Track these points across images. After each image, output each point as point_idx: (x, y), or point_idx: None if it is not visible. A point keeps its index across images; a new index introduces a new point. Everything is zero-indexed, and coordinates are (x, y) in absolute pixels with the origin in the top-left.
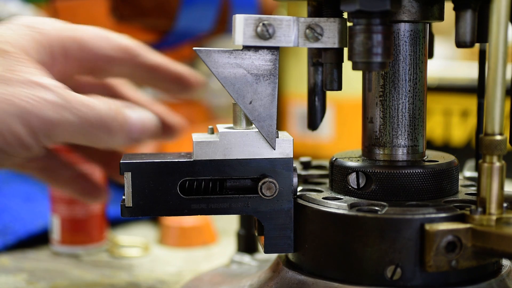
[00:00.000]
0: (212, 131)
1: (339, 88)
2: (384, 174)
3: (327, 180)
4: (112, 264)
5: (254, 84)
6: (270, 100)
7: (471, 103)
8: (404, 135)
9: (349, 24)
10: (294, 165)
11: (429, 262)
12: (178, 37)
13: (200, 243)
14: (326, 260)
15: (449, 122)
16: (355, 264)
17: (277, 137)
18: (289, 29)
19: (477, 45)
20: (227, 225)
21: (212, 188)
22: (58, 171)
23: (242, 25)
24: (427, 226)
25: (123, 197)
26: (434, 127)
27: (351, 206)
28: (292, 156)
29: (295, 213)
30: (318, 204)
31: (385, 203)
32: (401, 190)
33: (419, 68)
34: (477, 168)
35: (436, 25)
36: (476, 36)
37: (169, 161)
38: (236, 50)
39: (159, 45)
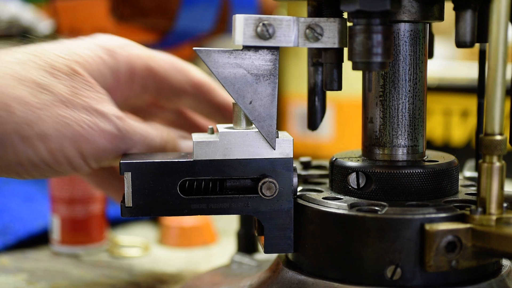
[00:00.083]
0: (212, 131)
1: (339, 88)
2: (384, 174)
3: (327, 180)
4: (112, 264)
5: (254, 84)
6: (270, 100)
7: (471, 103)
8: (404, 135)
9: (349, 24)
10: (294, 165)
11: (429, 262)
12: (178, 37)
13: (200, 243)
14: (326, 260)
15: (449, 122)
16: (355, 264)
17: (277, 137)
18: (289, 29)
19: (477, 45)
20: (227, 225)
21: (212, 188)
22: (110, 181)
23: (242, 25)
24: (427, 226)
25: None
26: (434, 127)
27: (351, 206)
28: (292, 156)
29: (295, 213)
30: (318, 204)
31: (385, 203)
32: (401, 190)
33: (419, 68)
34: (477, 168)
35: (436, 25)
36: (476, 36)
37: (169, 161)
38: (236, 50)
39: (159, 45)
